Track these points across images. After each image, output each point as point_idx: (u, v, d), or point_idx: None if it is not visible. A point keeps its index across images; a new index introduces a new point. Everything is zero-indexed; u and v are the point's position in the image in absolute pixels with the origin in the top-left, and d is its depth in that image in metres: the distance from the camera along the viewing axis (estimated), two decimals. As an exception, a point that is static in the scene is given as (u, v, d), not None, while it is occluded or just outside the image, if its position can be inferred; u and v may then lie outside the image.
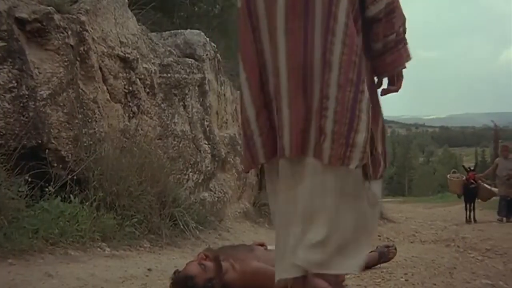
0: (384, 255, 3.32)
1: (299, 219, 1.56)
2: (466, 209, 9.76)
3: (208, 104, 6.27)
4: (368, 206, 1.59)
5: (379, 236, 6.13)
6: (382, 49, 1.62)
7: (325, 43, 1.50)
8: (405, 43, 1.64)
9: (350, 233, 1.56)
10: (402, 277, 2.64)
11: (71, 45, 3.97)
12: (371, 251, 3.15)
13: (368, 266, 2.91)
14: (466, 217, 9.63)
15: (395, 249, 3.45)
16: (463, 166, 11.22)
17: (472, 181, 9.61)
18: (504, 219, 9.08)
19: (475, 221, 9.45)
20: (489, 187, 10.06)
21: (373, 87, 1.67)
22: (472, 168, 10.19)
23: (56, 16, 3.87)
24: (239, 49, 1.71)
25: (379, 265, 3.22)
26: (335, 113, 1.49)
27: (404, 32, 1.65)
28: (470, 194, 9.73)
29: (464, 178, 9.91)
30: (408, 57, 1.65)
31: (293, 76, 1.54)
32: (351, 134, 1.48)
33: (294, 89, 1.54)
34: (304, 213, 1.56)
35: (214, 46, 6.76)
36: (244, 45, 1.65)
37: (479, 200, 10.17)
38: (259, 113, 1.63)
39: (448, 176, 11.08)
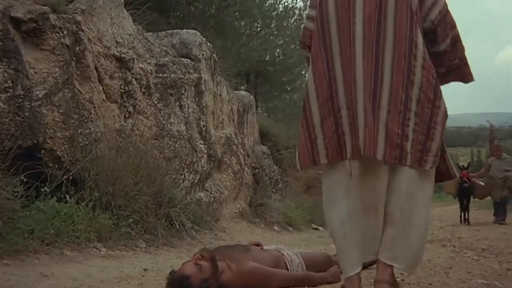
0: None
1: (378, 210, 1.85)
2: (460, 210, 9.60)
3: (204, 104, 6.27)
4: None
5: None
6: (445, 72, 1.95)
7: (409, 66, 1.77)
8: (467, 65, 1.99)
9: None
10: (398, 277, 2.63)
11: (66, 45, 3.96)
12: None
13: (364, 266, 2.91)
14: (461, 218, 9.45)
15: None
16: (457, 164, 11.03)
17: (465, 179, 9.30)
18: (502, 220, 8.82)
19: (468, 222, 9.14)
20: (484, 184, 9.85)
21: None
22: (465, 166, 9.85)
23: (52, 16, 3.86)
24: (311, 62, 1.92)
25: (375, 265, 3.22)
26: (415, 124, 1.78)
27: (465, 56, 1.98)
28: (463, 192, 9.46)
29: (458, 177, 9.74)
30: (470, 76, 1.99)
31: (367, 90, 1.78)
32: (428, 142, 1.79)
33: (367, 99, 1.77)
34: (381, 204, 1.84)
35: (210, 46, 6.76)
36: (316, 60, 1.88)
37: (475, 199, 9.97)
38: (324, 119, 1.85)
39: None
